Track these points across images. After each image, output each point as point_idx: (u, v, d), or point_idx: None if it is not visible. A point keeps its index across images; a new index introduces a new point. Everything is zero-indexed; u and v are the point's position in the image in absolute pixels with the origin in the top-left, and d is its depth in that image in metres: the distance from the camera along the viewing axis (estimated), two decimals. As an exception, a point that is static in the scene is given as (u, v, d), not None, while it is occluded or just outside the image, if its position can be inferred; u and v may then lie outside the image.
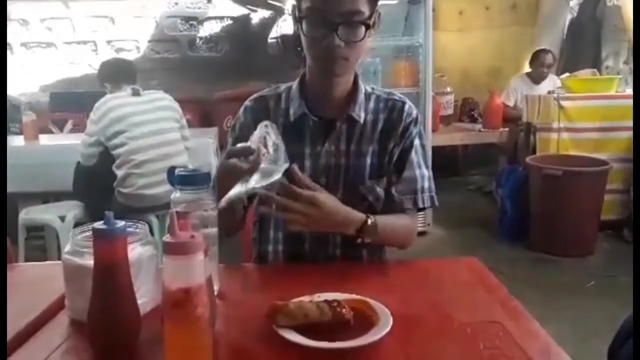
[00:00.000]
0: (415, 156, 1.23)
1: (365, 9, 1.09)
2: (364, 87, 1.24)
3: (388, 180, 1.23)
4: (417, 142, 1.24)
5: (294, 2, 1.15)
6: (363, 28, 1.09)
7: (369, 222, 1.13)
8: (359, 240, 1.13)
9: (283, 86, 1.28)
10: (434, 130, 3.97)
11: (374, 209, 1.21)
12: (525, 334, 0.84)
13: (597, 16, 5.03)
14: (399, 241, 1.26)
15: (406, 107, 1.24)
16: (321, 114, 1.21)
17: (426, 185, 1.24)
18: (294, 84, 1.25)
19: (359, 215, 1.13)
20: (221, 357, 0.80)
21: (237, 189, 0.94)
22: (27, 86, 5.19)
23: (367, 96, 1.24)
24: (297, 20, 1.12)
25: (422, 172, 1.24)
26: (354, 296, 0.91)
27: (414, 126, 1.24)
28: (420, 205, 1.24)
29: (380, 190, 1.22)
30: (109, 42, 5.45)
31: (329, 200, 1.09)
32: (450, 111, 4.81)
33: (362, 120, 1.20)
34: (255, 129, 1.06)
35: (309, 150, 1.21)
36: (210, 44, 5.54)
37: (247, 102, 1.28)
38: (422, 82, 3.70)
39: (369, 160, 1.21)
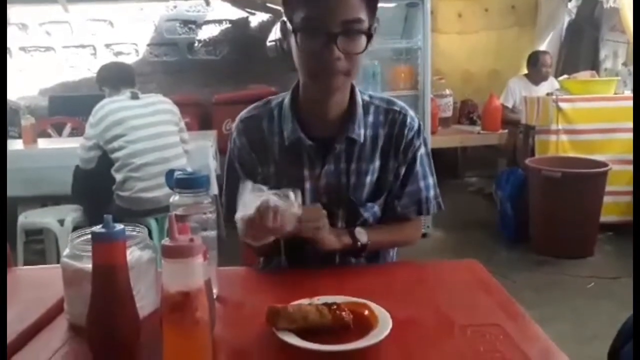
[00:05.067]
0: (419, 168, 1.20)
1: (365, 18, 1.02)
2: (361, 97, 1.17)
3: (390, 194, 1.19)
4: (420, 152, 1.20)
5: (284, 17, 1.07)
6: (364, 38, 1.03)
7: (356, 231, 1.14)
8: (358, 244, 1.13)
9: (274, 101, 1.20)
10: (432, 133, 3.98)
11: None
12: (525, 336, 0.84)
13: (595, 18, 5.04)
14: (399, 244, 1.28)
15: (408, 120, 1.18)
16: (317, 135, 1.14)
17: (431, 194, 1.21)
18: (286, 99, 1.17)
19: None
20: (220, 360, 0.79)
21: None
22: (26, 90, 5.20)
23: (366, 108, 1.17)
24: (292, 33, 1.04)
25: (427, 182, 1.21)
26: (353, 299, 0.91)
27: (417, 138, 1.19)
28: (425, 214, 1.23)
29: (377, 209, 1.19)
30: (107, 45, 5.47)
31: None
32: (449, 113, 4.81)
33: (361, 139, 1.15)
34: (252, 151, 1.15)
35: (308, 173, 1.15)
36: (209, 47, 5.55)
37: (239, 123, 1.20)
38: (420, 85, 3.71)
39: (369, 178, 1.16)
